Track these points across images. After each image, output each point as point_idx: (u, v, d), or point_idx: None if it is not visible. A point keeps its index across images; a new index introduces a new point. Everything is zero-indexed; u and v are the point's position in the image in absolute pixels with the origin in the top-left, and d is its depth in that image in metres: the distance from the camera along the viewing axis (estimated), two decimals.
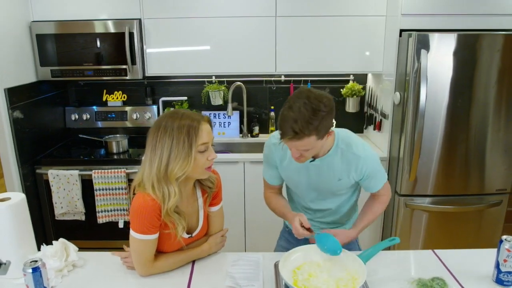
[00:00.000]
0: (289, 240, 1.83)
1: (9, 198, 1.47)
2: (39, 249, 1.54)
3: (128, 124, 3.26)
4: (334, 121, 1.92)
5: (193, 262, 1.55)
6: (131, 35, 2.76)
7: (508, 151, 2.61)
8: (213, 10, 2.80)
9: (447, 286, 1.38)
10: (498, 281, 1.38)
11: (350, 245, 1.77)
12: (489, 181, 2.66)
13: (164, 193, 1.35)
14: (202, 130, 1.35)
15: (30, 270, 1.24)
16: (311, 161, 1.55)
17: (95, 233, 2.86)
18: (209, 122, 1.41)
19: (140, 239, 1.39)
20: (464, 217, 2.74)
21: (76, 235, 2.88)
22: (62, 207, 2.77)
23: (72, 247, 1.54)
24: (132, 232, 1.40)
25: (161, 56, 2.89)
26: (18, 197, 1.47)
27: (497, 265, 1.38)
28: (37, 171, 2.78)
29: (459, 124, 2.55)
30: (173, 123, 1.33)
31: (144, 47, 2.86)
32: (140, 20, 2.80)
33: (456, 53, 2.44)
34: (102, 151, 2.98)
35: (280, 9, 2.78)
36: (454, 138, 2.58)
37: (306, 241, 1.57)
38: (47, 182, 2.77)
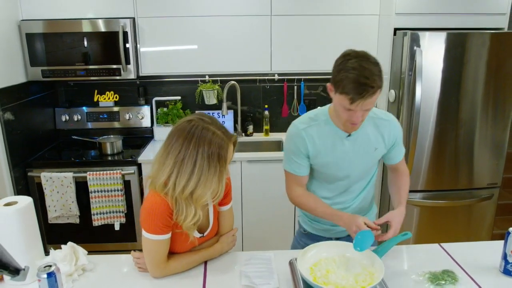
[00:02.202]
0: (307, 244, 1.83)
1: (16, 202, 1.43)
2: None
3: (120, 124, 3.21)
4: None
5: (205, 262, 1.54)
6: (125, 34, 2.72)
7: (499, 146, 2.70)
8: (209, 9, 2.78)
9: (458, 278, 1.42)
10: (506, 272, 1.43)
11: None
12: (480, 175, 2.74)
13: (182, 210, 1.33)
14: (230, 153, 1.34)
15: (45, 276, 1.21)
16: (347, 136, 1.54)
17: (90, 236, 2.80)
18: (235, 142, 1.38)
19: (153, 240, 1.37)
20: (456, 211, 2.81)
21: (70, 238, 2.76)
22: (55, 211, 2.71)
23: (81, 250, 1.51)
24: (144, 233, 1.38)
25: (155, 56, 2.86)
26: (25, 201, 1.43)
27: (505, 256, 1.43)
28: (29, 174, 2.71)
29: (450, 120, 2.62)
30: (204, 140, 1.27)
31: (138, 46, 2.82)
32: (134, 19, 2.76)
33: (446, 51, 2.51)
34: (95, 153, 2.92)
35: (275, 8, 2.79)
36: (445, 134, 2.65)
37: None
38: (39, 185, 2.70)
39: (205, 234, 1.53)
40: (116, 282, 1.45)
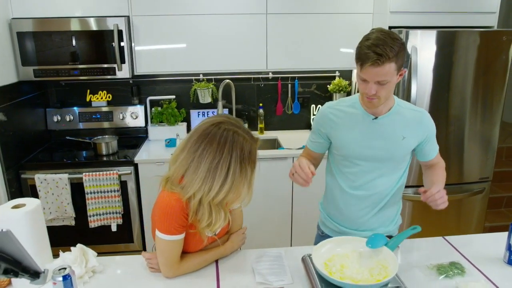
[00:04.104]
0: None
1: (24, 205, 1.40)
2: None
3: (113, 124, 3.16)
4: None
5: (216, 261, 1.54)
6: (119, 32, 2.68)
7: (490, 141, 2.77)
8: (204, 8, 2.77)
9: (465, 269, 1.46)
10: (510, 262, 1.48)
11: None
12: (472, 170, 2.82)
13: (209, 214, 1.32)
14: (256, 156, 1.33)
15: (61, 278, 1.19)
16: (374, 119, 1.55)
17: (86, 238, 2.76)
18: (258, 145, 1.37)
19: (168, 240, 1.37)
20: (449, 205, 2.86)
21: (66, 240, 2.73)
22: (50, 213, 2.65)
23: (90, 252, 1.49)
24: (158, 233, 1.37)
25: (150, 54, 2.83)
26: (33, 203, 1.41)
27: (509, 248, 1.48)
28: (22, 176, 2.65)
29: (441, 117, 2.69)
30: (237, 145, 1.27)
31: (133, 45, 2.79)
32: (128, 17, 2.72)
33: (437, 49, 2.57)
34: (90, 153, 2.88)
35: (271, 6, 2.80)
36: (437, 131, 2.69)
37: None
38: (32, 187, 2.64)
39: (217, 232, 1.53)
40: (127, 284, 1.44)
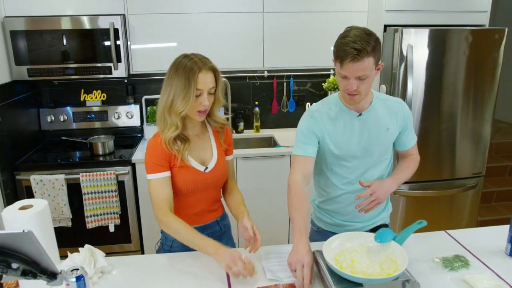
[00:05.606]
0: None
1: (31, 206, 1.39)
2: None
3: (108, 124, 3.13)
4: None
5: None
6: (115, 31, 2.65)
7: (483, 137, 2.84)
8: (201, 6, 2.77)
9: (469, 261, 1.50)
10: None
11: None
12: (465, 166, 2.88)
13: (166, 122, 1.50)
14: (199, 78, 1.45)
15: (74, 279, 1.18)
16: (358, 116, 1.59)
17: (84, 239, 2.73)
18: (213, 70, 1.51)
19: (152, 179, 1.51)
20: (443, 200, 2.94)
21: (63, 242, 2.70)
22: None
23: (98, 253, 1.48)
24: (147, 177, 1.52)
25: (146, 53, 2.81)
26: (41, 204, 1.40)
27: (510, 240, 1.52)
28: (17, 177, 2.60)
29: (434, 114, 2.74)
30: (184, 65, 1.46)
31: (129, 43, 2.76)
32: (124, 16, 2.70)
33: (431, 48, 2.62)
34: (86, 153, 2.84)
35: (267, 5, 2.81)
36: (431, 128, 2.76)
37: None
38: (28, 188, 2.60)
39: (209, 168, 1.60)
40: (137, 284, 1.43)
